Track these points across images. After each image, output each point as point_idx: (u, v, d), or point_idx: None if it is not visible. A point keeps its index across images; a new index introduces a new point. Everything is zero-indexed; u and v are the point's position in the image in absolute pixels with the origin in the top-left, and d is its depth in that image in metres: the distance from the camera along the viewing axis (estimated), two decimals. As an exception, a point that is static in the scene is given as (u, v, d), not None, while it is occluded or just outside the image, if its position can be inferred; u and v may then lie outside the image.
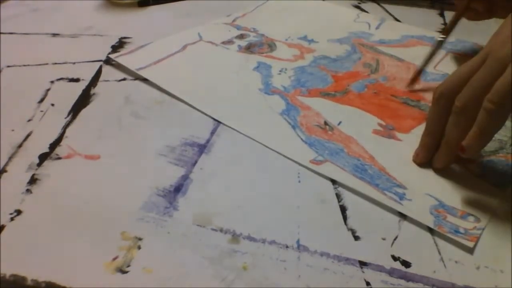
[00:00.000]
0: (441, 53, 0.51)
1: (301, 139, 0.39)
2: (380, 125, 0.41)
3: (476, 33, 0.54)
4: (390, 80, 0.47)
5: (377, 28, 0.56)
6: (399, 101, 0.44)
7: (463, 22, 0.47)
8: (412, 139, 0.39)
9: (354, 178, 0.35)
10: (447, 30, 0.46)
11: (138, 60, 0.48)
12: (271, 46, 0.53)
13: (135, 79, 0.46)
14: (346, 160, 0.37)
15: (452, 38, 0.53)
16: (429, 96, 0.44)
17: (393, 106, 0.43)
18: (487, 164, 0.37)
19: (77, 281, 0.28)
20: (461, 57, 0.51)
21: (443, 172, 0.36)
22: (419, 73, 0.46)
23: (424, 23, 0.58)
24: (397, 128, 0.41)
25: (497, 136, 0.39)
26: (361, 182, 0.35)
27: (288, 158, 0.37)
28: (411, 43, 0.47)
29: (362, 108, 0.43)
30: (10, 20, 0.57)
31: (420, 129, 0.40)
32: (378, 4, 0.63)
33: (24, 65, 0.48)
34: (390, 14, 0.61)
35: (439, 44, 0.46)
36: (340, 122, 0.41)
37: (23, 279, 0.28)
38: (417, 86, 0.46)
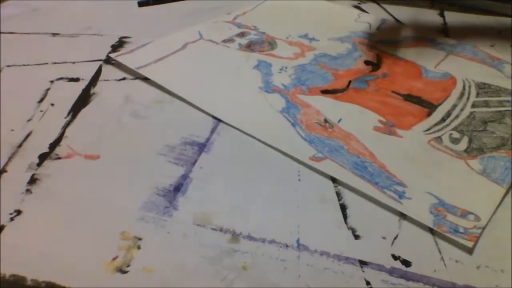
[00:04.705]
0: (442, 54, 0.51)
1: (301, 136, 0.39)
2: (380, 121, 0.41)
3: (476, 35, 0.54)
4: (391, 76, 0.47)
5: (377, 28, 0.56)
6: (400, 98, 0.44)
7: (463, 25, 0.46)
8: (413, 136, 0.39)
9: (353, 176, 0.35)
10: None
11: (138, 59, 0.48)
12: (272, 44, 0.52)
13: (135, 79, 0.46)
14: (346, 157, 0.37)
15: (452, 40, 0.53)
16: (429, 93, 0.44)
17: (393, 103, 0.43)
18: (489, 161, 0.37)
19: (77, 281, 0.28)
20: (461, 58, 0.50)
21: (444, 169, 0.36)
22: None
23: (424, 23, 0.57)
24: (398, 125, 0.40)
25: (498, 133, 0.39)
26: (360, 180, 0.35)
27: (288, 156, 0.37)
28: (411, 43, 0.47)
29: (362, 105, 0.43)
30: (10, 20, 0.57)
31: (420, 126, 0.40)
32: (378, 4, 0.63)
33: (24, 65, 0.48)
34: (390, 14, 0.60)
35: None
36: (340, 120, 0.41)
37: (23, 279, 0.28)
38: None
